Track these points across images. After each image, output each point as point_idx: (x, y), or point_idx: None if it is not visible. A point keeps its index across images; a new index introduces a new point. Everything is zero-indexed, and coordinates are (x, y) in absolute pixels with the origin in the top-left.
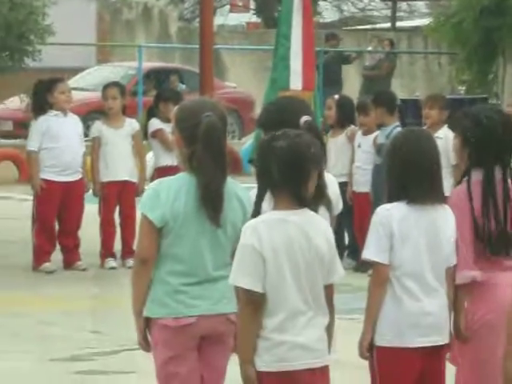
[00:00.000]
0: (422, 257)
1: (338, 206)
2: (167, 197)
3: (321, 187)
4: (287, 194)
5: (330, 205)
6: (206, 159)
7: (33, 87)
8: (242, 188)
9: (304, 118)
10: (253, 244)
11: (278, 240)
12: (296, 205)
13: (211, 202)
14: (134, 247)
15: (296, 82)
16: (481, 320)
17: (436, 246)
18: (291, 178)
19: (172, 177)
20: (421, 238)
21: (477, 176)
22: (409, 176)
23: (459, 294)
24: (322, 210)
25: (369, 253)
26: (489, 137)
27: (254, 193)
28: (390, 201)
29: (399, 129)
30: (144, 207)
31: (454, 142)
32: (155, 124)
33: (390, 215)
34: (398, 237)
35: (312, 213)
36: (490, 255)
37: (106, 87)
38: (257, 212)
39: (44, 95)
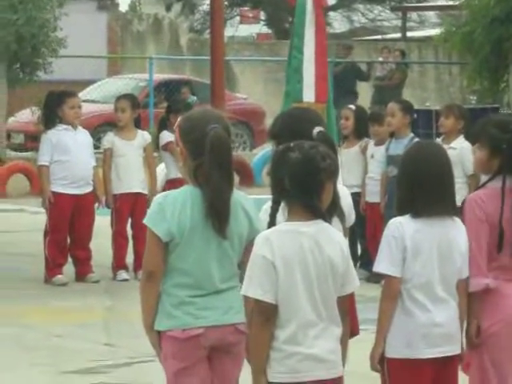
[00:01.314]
0: (433, 269)
1: (351, 217)
2: (173, 211)
3: (334, 199)
4: (300, 206)
5: (343, 216)
6: (214, 172)
7: (44, 99)
8: (247, 199)
9: (317, 129)
10: (265, 254)
11: (291, 251)
12: (310, 216)
13: (218, 214)
14: None
15: (309, 95)
16: (488, 330)
17: (448, 259)
18: (304, 189)
19: (177, 190)
20: (433, 251)
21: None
22: (416, 189)
23: (472, 301)
24: (335, 221)
25: (381, 266)
26: None
27: (268, 205)
28: (399, 213)
29: (416, 140)
30: (150, 221)
31: (479, 153)
32: (166, 136)
33: (403, 228)
34: (410, 250)
35: (326, 224)
36: (509, 260)
37: (118, 99)
38: (272, 223)
39: (54, 108)
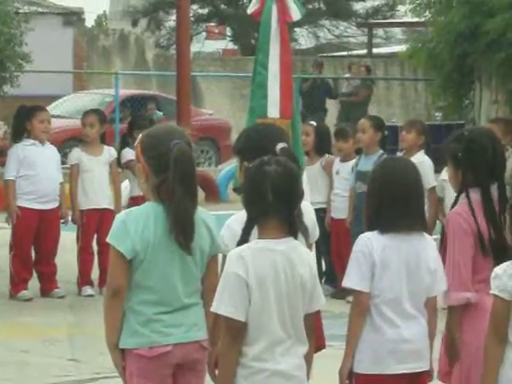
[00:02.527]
0: (401, 285)
1: (315, 233)
2: (136, 228)
3: (298, 215)
4: (277, 221)
5: (307, 232)
6: (178, 187)
7: (15, 113)
8: (209, 215)
9: (280, 145)
10: (239, 272)
11: (265, 269)
12: (283, 233)
13: (183, 229)
14: None
15: (274, 111)
16: (472, 343)
17: (416, 275)
18: (285, 202)
19: (139, 207)
20: (401, 266)
21: (475, 195)
22: (383, 204)
23: (452, 314)
24: (299, 237)
25: (350, 281)
26: (479, 153)
27: (234, 218)
28: (368, 229)
29: (386, 156)
30: (113, 239)
31: (449, 170)
32: (129, 154)
33: (371, 244)
34: (379, 266)
35: (296, 241)
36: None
37: (85, 114)
38: (244, 240)
39: (23, 122)
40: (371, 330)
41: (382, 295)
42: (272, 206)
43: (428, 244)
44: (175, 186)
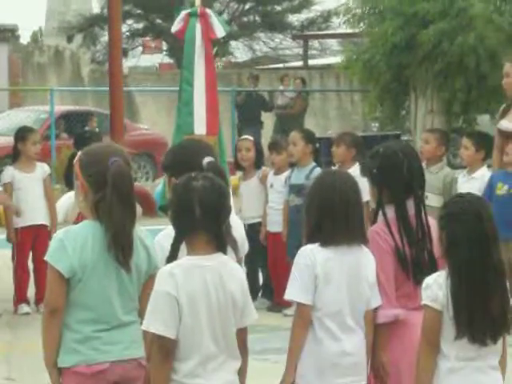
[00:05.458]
0: (343, 297)
1: (244, 247)
2: (74, 246)
3: (227, 229)
4: (205, 237)
5: (236, 246)
6: (116, 205)
7: None
8: (146, 234)
9: (207, 159)
10: (168, 290)
11: (195, 286)
12: (213, 248)
13: (122, 247)
14: None
15: (200, 127)
16: (395, 363)
17: (356, 288)
18: (214, 218)
19: (78, 225)
20: (343, 279)
21: (391, 212)
22: (323, 217)
23: (379, 332)
24: (229, 251)
25: (292, 293)
26: (392, 170)
27: (163, 234)
28: (308, 241)
29: (318, 169)
30: (51, 258)
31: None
32: None
33: (314, 256)
34: (321, 278)
35: (226, 257)
36: (413, 287)
37: (28, 131)
38: (173, 257)
39: None
40: (313, 343)
41: (324, 308)
42: (200, 221)
43: (367, 257)
44: (113, 203)
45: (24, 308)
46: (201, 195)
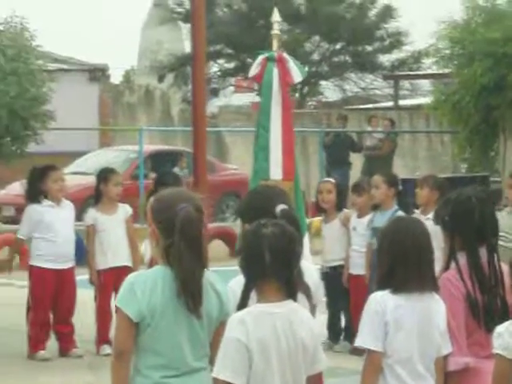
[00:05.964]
0: (413, 344)
1: (318, 293)
2: (143, 291)
3: (298, 275)
4: (275, 284)
5: (309, 292)
6: (184, 251)
7: (28, 175)
8: (218, 280)
9: (280, 207)
10: (239, 337)
11: (266, 334)
12: (283, 295)
13: (191, 293)
14: None
15: (276, 173)
16: None
17: (427, 335)
18: (284, 264)
19: (149, 270)
20: (414, 326)
21: (462, 259)
22: (394, 264)
23: (450, 380)
24: (302, 298)
25: (362, 340)
26: (464, 216)
27: (236, 280)
28: (379, 287)
29: (400, 212)
30: (120, 301)
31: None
32: None
33: (384, 303)
34: (392, 325)
35: (296, 304)
36: (484, 335)
37: (110, 172)
38: (244, 304)
39: (37, 183)
40: None
41: (395, 355)
42: (270, 267)
43: (438, 304)
44: (181, 249)
45: (106, 349)
46: (271, 241)
